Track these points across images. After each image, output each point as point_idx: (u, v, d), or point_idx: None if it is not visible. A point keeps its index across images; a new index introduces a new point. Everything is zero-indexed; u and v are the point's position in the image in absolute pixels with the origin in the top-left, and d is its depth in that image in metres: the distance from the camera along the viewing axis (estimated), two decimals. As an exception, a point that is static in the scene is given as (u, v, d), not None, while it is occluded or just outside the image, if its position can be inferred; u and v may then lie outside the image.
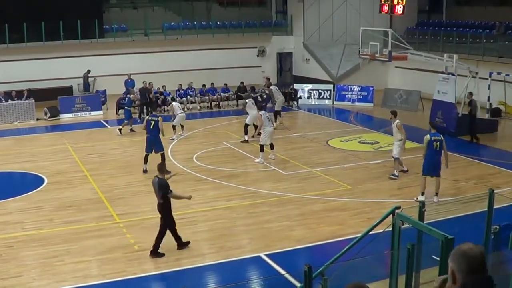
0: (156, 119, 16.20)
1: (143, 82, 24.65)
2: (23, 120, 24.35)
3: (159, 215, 10.89)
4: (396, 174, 15.45)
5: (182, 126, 21.04)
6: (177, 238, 10.92)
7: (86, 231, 12.00)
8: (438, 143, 13.25)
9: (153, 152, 16.17)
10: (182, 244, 10.97)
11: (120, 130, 21.39)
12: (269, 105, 22.84)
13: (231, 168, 16.65)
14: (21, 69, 28.48)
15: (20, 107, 24.45)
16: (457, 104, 20.59)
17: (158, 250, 10.68)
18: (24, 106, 24.48)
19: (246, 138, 19.82)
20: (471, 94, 19.91)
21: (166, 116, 23.19)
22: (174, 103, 21.51)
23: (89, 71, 29.12)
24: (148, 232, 11.90)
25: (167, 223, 10.77)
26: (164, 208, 10.74)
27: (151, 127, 16.08)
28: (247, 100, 20.53)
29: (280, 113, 22.76)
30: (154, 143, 16.16)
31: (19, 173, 16.90)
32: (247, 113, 20.31)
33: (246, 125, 19.96)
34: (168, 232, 10.79)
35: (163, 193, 10.64)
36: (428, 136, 13.44)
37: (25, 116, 24.45)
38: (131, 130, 21.66)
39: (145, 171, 16.14)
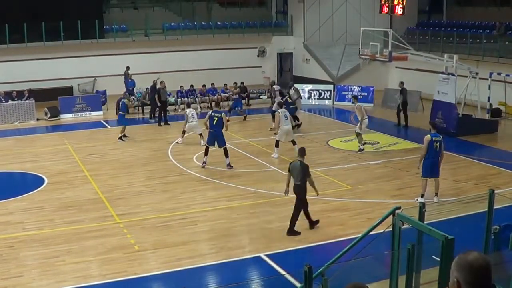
0: (219, 115, 16.38)
1: (154, 80, 24.45)
2: (24, 120, 24.35)
3: (295, 196, 11.67)
4: (361, 148, 18.22)
5: (200, 135, 19.19)
6: (309, 217, 11.78)
7: (87, 231, 12.01)
8: (438, 144, 13.15)
9: (216, 146, 16.40)
10: (313, 223, 11.83)
11: (120, 138, 20.37)
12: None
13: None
14: (22, 69, 28.49)
15: (21, 107, 24.45)
16: (457, 104, 20.60)
17: (295, 229, 11.54)
18: (25, 106, 24.48)
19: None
20: (402, 83, 22.53)
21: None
22: (188, 110, 19.71)
23: (128, 67, 28.64)
24: (149, 232, 11.94)
25: (303, 204, 11.56)
26: (302, 190, 11.53)
27: (214, 123, 16.29)
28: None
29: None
30: (216, 138, 16.36)
31: (20, 173, 16.91)
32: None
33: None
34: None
35: (304, 175, 11.41)
36: (428, 136, 13.26)
37: (26, 116, 24.44)
38: (120, 138, 20.38)
39: (204, 163, 16.45)
